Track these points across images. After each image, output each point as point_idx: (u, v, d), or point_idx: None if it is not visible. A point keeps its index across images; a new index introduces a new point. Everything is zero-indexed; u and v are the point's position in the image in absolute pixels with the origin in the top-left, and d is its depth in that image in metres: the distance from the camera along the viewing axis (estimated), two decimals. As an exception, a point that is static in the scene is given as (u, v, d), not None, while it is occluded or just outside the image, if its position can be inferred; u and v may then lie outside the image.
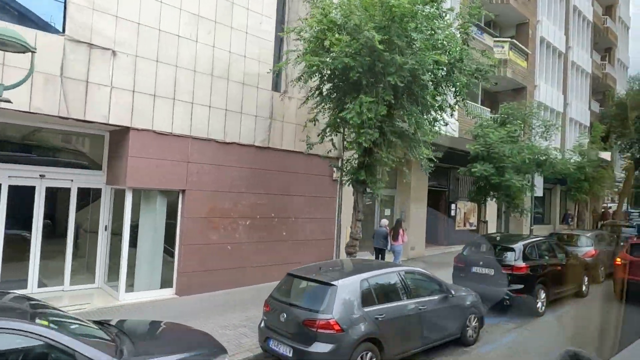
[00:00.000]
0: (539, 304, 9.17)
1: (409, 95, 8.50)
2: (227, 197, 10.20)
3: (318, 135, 9.30)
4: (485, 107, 17.12)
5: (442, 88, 8.83)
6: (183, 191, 9.55)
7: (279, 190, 11.27)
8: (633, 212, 42.33)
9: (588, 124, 24.11)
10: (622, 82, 29.57)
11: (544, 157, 12.74)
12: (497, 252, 9.53)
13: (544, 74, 20.13)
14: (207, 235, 9.88)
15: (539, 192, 16.80)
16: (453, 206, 17.95)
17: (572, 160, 20.53)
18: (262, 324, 6.23)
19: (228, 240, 10.24)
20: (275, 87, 11.22)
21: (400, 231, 12.89)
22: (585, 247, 13.06)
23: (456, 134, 14.17)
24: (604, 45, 29.53)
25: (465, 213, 18.88)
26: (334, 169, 12.13)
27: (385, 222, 13.44)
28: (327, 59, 7.94)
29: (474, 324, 7.39)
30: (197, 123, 9.64)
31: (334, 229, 12.81)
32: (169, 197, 9.61)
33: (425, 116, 8.64)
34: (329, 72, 8.45)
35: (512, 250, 9.18)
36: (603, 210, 27.76)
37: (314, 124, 9.35)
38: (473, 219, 19.45)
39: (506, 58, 17.20)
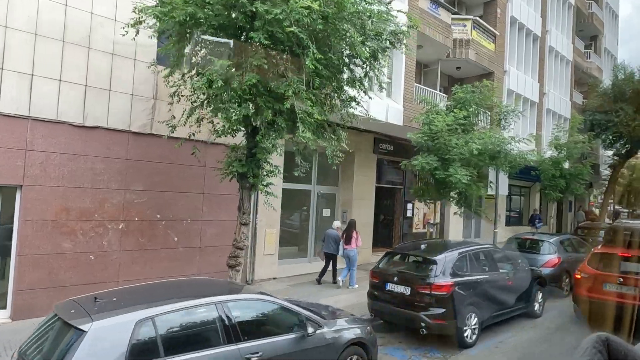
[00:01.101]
0: (468, 332, 7.15)
1: (286, 60, 6.48)
2: (88, 195, 8.17)
3: (182, 115, 7.24)
4: (444, 94, 15.08)
5: (331, 50, 6.76)
6: (21, 187, 7.52)
7: (168, 186, 9.25)
8: (623, 212, 40.31)
9: (569, 116, 22.09)
10: (609, 72, 27.52)
11: (497, 148, 10.72)
12: (415, 265, 7.53)
13: (515, 58, 18.06)
14: (58, 242, 7.85)
15: (502, 190, 14.80)
16: (410, 206, 15.94)
17: (547, 155, 18.57)
18: (10, 382, 4.21)
19: (90, 249, 8.21)
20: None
21: (354, 234, 11.18)
22: (547, 254, 11.08)
23: (399, 122, 12.14)
24: (590, 33, 27.52)
25: (425, 213, 16.87)
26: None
27: (337, 223, 11.74)
28: (167, 10, 5.91)
29: (355, 368, 5.39)
30: (40, 101, 7.59)
31: (247, 233, 10.75)
32: (3, 195, 7.58)
33: (308, 88, 6.58)
34: (178, 28, 6.41)
35: (434, 263, 7.15)
36: (584, 210, 25.71)
37: (178, 100, 7.31)
38: (435, 220, 17.44)
39: (468, 38, 15.17)
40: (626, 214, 36.48)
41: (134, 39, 7.01)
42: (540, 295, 9.12)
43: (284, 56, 6.41)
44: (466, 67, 16.16)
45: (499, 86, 17.13)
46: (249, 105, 6.48)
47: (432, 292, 6.88)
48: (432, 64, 15.81)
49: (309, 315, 5.07)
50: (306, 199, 13.03)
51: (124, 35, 7.34)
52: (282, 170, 10.62)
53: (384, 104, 11.74)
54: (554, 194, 17.69)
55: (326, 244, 11.37)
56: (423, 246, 7.95)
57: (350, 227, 11.23)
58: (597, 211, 30.17)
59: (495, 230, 14.84)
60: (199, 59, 6.99)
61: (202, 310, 4.32)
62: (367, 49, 6.83)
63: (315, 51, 6.11)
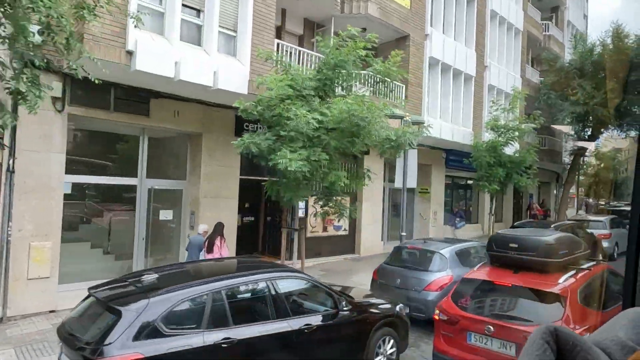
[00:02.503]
0: None
1: None
2: None
3: None
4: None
5: None
6: None
7: None
8: (599, 204, 37.25)
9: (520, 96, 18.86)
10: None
11: (358, 122, 7.38)
12: (96, 317, 4.21)
13: (441, 21, 14.72)
14: None
15: (410, 183, 11.58)
16: (302, 204, 12.60)
17: (484, 141, 15.39)
18: None
19: None
20: None
21: (217, 240, 8.32)
22: (437, 271, 7.84)
23: (242, 89, 8.74)
24: (551, 4, 24.31)
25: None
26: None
27: (203, 227, 8.82)
28: None
29: None
30: None
31: (-7, 247, 7.38)
32: None
33: None
34: None
35: (117, 316, 3.83)
36: (529, 204, 22.47)
37: None
38: (342, 221, 14.14)
39: (369, -11, 11.84)
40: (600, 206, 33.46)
41: None
42: (391, 344, 5.84)
43: None
44: (373, 28, 12.79)
45: (418, 53, 13.87)
46: None
47: (94, 378, 3.54)
48: (328, 23, 12.48)
49: None
50: (129, 197, 9.65)
51: None
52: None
53: (210, 61, 8.35)
54: (489, 187, 14.51)
55: (189, 254, 8.64)
56: (149, 277, 4.61)
57: (216, 231, 8.45)
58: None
59: (403, 234, 11.58)
60: None
61: None
62: None
63: None
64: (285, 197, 7.93)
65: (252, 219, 13.40)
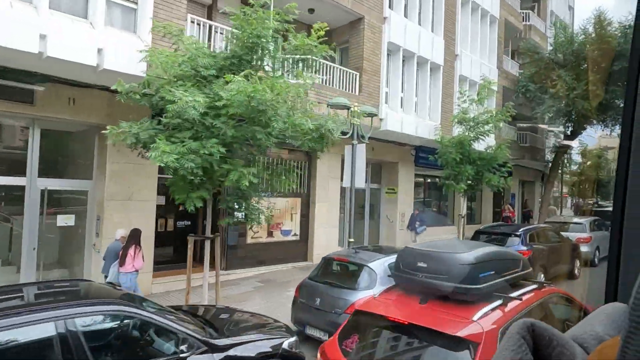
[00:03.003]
0: None
1: None
2: None
3: None
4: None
5: None
6: None
7: None
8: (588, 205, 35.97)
9: (495, 88, 17.51)
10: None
11: (258, 106, 5.94)
12: None
13: (402, 3, 13.30)
14: None
15: (359, 183, 10.19)
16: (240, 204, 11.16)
17: (452, 136, 14.03)
18: None
19: None
20: None
21: (131, 250, 7.16)
22: (363, 289, 6.48)
23: (141, 71, 7.30)
24: (534, -7, 23.02)
25: (274, 215, 12.14)
26: None
27: (120, 232, 7.64)
28: None
29: None
30: None
31: None
32: None
33: None
34: None
35: None
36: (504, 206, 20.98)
37: None
38: (291, 224, 12.76)
39: (312, -38, 10.44)
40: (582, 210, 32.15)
41: None
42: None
43: None
44: (322, 9, 11.45)
45: (374, 37, 12.47)
46: None
47: None
48: (268, 3, 11.05)
49: None
50: (15, 199, 8.19)
51: None
52: None
53: (95, 36, 6.93)
54: (456, 186, 13.15)
55: (106, 264, 7.54)
56: None
57: (131, 239, 7.30)
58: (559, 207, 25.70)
59: (350, 240, 10.19)
60: None
61: None
62: None
63: None
64: (177, 199, 6.51)
65: (189, 223, 11.96)
